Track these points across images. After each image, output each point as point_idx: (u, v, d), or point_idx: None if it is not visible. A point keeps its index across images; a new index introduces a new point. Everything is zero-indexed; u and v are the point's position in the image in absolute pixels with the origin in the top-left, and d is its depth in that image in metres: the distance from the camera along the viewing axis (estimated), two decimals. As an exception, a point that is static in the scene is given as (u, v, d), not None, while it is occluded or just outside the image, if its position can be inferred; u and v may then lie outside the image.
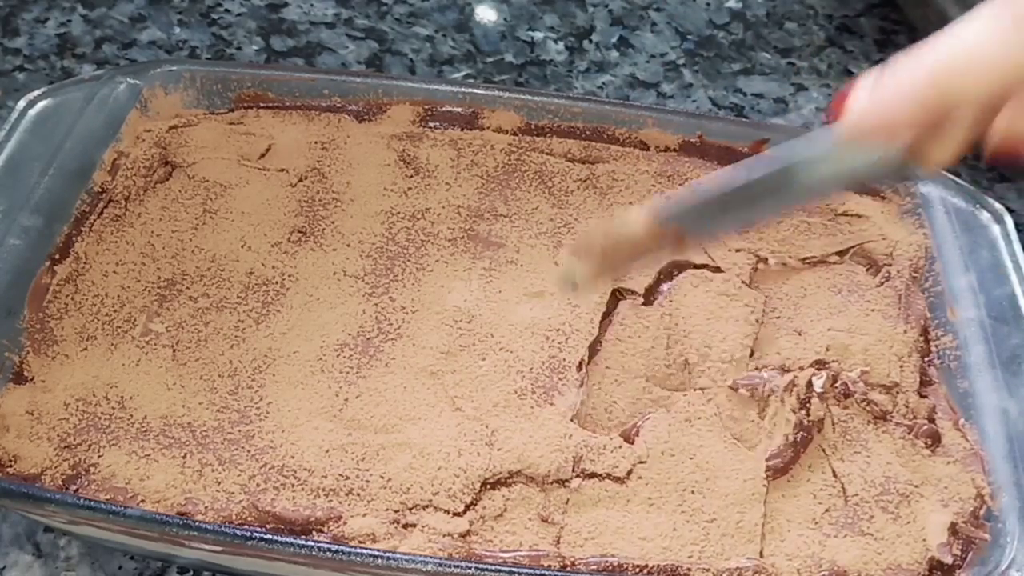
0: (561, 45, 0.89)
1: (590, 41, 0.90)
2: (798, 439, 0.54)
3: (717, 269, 0.62)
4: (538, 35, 0.90)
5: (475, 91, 0.69)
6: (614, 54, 0.89)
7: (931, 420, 0.56)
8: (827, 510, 0.52)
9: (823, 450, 0.54)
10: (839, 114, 0.43)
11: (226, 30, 0.88)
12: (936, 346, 0.60)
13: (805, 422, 0.54)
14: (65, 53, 0.84)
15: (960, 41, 0.40)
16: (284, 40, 0.87)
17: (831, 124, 0.44)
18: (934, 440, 0.55)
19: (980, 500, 0.53)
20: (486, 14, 0.92)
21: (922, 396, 0.58)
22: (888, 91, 0.42)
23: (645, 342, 0.58)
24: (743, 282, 0.61)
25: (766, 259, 0.63)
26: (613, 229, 0.49)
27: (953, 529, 0.52)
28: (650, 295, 0.60)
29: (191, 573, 0.56)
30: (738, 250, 0.63)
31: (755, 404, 0.55)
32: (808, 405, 0.54)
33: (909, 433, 0.55)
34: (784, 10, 0.95)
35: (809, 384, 0.55)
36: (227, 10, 0.89)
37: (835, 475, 0.53)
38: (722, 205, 0.47)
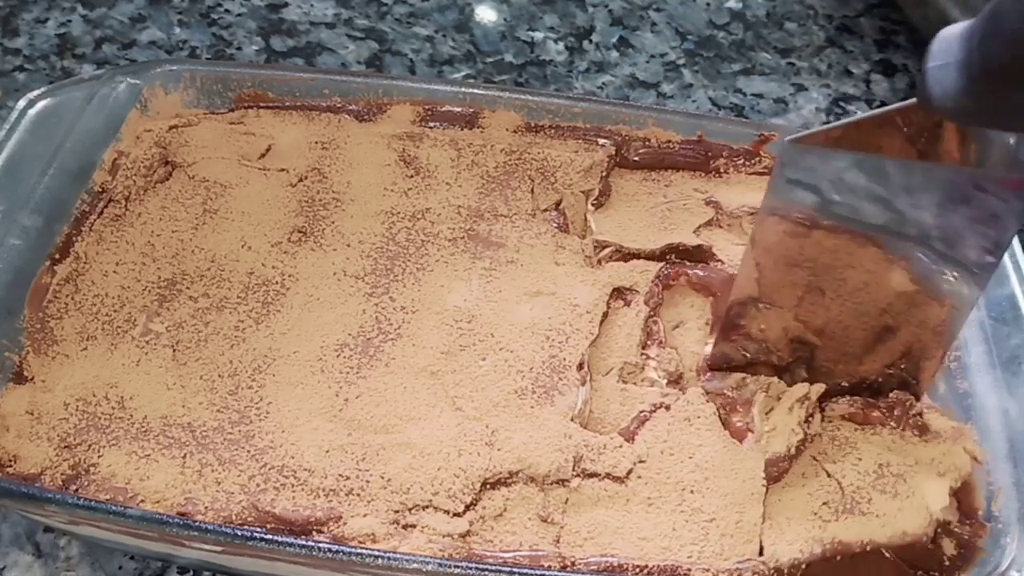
0: (561, 45, 0.89)
1: (590, 41, 0.90)
2: (797, 451, 0.53)
3: (720, 262, 0.62)
4: (538, 35, 0.90)
5: (475, 91, 0.69)
6: (614, 54, 0.89)
7: (919, 415, 0.56)
8: (825, 503, 0.52)
9: (814, 458, 0.54)
10: None
11: (226, 30, 0.88)
12: (936, 346, 0.60)
13: (808, 435, 0.54)
14: (65, 53, 0.84)
15: None
16: (284, 40, 0.87)
17: None
18: (922, 431, 0.55)
19: (975, 463, 0.53)
20: (486, 14, 0.92)
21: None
22: None
23: (645, 341, 0.58)
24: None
25: None
26: None
27: (953, 492, 0.52)
28: (651, 294, 0.60)
29: (191, 573, 0.56)
30: (741, 244, 0.63)
31: (752, 403, 0.56)
32: (812, 418, 0.54)
33: (897, 427, 0.55)
34: (784, 10, 0.95)
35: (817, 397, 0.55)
36: (227, 10, 0.90)
37: (828, 475, 0.53)
38: None
